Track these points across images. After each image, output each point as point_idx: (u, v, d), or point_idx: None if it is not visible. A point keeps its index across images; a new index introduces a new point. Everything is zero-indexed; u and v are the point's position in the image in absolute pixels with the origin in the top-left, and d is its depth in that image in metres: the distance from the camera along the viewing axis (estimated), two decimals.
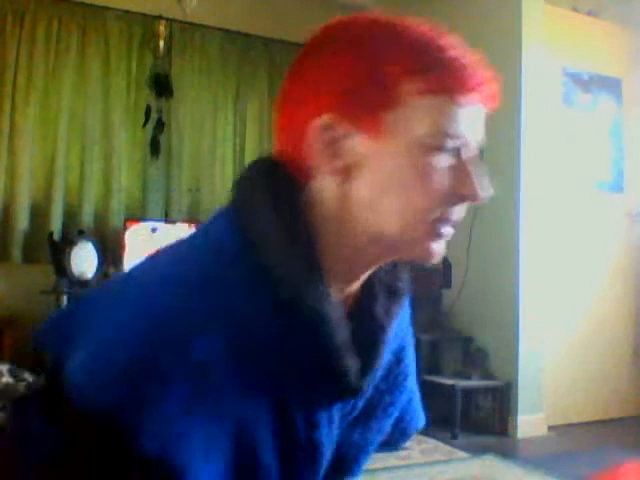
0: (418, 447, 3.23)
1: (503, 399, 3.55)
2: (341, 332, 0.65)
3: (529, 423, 3.52)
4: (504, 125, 3.67)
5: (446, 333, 3.87)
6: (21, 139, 3.84)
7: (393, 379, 0.82)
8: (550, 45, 3.71)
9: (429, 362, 3.81)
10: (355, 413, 0.77)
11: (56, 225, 3.84)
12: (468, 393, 3.66)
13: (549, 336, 3.66)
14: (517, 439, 3.46)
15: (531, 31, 3.64)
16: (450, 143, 0.64)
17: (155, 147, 4.13)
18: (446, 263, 4.00)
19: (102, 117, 4.05)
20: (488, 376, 3.62)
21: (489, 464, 2.96)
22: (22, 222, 3.82)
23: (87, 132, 4.00)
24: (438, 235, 0.66)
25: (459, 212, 0.67)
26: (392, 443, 0.89)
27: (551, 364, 3.66)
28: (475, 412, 3.72)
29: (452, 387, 3.49)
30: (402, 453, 3.13)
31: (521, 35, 3.62)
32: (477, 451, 3.16)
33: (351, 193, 0.65)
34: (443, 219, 0.66)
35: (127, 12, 4.12)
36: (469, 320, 3.80)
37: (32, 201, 3.88)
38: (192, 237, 0.70)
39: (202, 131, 4.31)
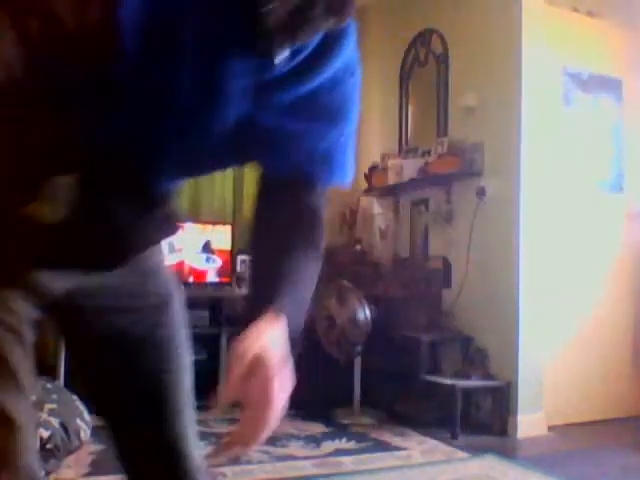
0: (418, 447, 3.23)
1: (503, 399, 3.55)
2: None
3: (529, 423, 3.52)
4: (504, 125, 3.67)
5: (446, 333, 3.86)
6: None
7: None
8: (550, 45, 3.70)
9: (429, 362, 3.81)
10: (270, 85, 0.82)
11: None
12: (468, 393, 3.65)
13: (549, 336, 3.66)
14: (517, 439, 3.46)
15: (531, 31, 3.64)
16: None
17: None
18: (446, 263, 4.00)
19: None
20: (488, 376, 3.62)
21: (489, 464, 2.96)
22: None
23: None
24: None
25: None
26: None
27: (551, 364, 3.66)
28: (475, 412, 3.72)
29: (452, 387, 3.49)
30: (402, 453, 3.13)
31: (521, 35, 3.62)
32: (477, 451, 3.16)
33: None
34: None
35: None
36: (469, 320, 3.80)
37: None
38: None
39: None
